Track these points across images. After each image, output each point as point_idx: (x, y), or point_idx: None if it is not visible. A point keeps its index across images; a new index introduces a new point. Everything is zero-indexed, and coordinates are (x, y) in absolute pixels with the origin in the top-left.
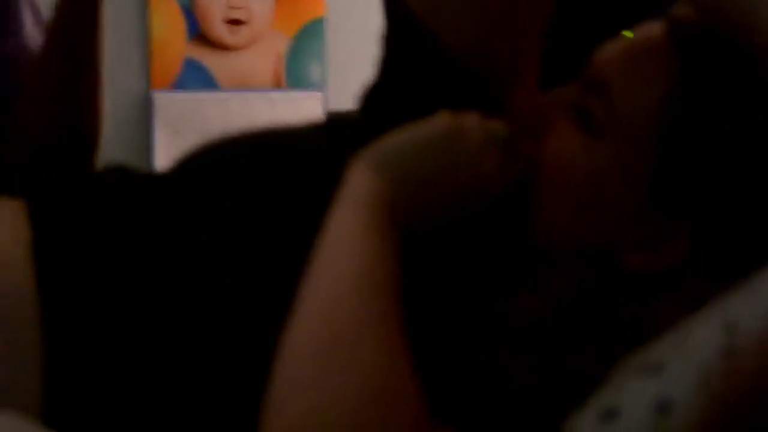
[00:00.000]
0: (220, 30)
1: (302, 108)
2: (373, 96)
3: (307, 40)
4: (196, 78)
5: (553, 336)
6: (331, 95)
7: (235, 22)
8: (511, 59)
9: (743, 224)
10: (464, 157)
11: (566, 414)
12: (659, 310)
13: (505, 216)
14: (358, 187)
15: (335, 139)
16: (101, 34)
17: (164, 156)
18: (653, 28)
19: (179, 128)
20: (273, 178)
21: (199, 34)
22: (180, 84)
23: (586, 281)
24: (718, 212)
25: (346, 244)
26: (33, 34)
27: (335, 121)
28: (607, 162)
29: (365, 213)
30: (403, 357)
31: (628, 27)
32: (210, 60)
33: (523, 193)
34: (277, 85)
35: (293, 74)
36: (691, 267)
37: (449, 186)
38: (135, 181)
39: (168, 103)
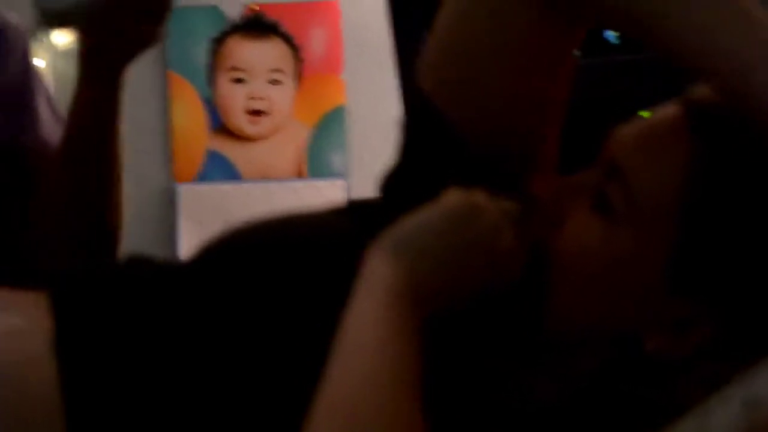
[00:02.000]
0: (241, 121)
1: (325, 197)
2: (392, 182)
3: (328, 129)
4: (218, 169)
5: (571, 421)
6: (354, 183)
7: (256, 113)
8: (529, 149)
9: (766, 306)
10: (480, 234)
11: None
12: (680, 391)
13: (523, 299)
14: (376, 273)
15: (356, 223)
16: (120, 127)
17: (189, 248)
18: (670, 109)
19: (203, 220)
20: (294, 263)
21: (220, 126)
22: (203, 176)
23: (606, 365)
24: (741, 296)
25: (368, 329)
26: (50, 127)
27: (356, 207)
28: (625, 247)
29: (384, 299)
30: None
31: (645, 107)
32: (232, 151)
33: (539, 276)
34: (300, 175)
35: (315, 163)
36: (713, 348)
37: (466, 265)
38: (157, 271)
39: (192, 195)
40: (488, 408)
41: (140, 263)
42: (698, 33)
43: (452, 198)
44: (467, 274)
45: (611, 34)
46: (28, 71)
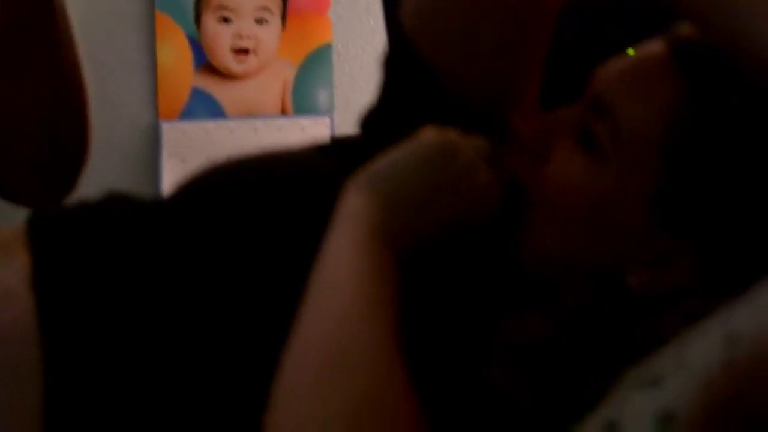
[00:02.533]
0: (227, 59)
1: (310, 134)
2: (372, 120)
3: (314, 67)
4: (203, 107)
5: (554, 354)
6: (339, 121)
7: (242, 52)
8: (511, 87)
9: (747, 242)
10: (454, 172)
11: (567, 430)
12: (661, 324)
13: (503, 235)
14: (352, 210)
15: (336, 160)
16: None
17: (172, 186)
18: (656, 47)
19: (187, 157)
20: (274, 200)
21: (205, 64)
22: (187, 113)
23: (589, 300)
24: (723, 231)
25: (342, 266)
26: None
27: (337, 144)
28: (611, 183)
29: (359, 235)
30: (400, 374)
31: (630, 44)
32: (217, 89)
33: (517, 211)
34: (285, 112)
35: (300, 101)
36: (694, 284)
37: (441, 202)
38: (135, 208)
39: (175, 133)
40: (471, 343)
41: (119, 200)
42: None
43: (427, 136)
44: (442, 209)
45: None
46: None
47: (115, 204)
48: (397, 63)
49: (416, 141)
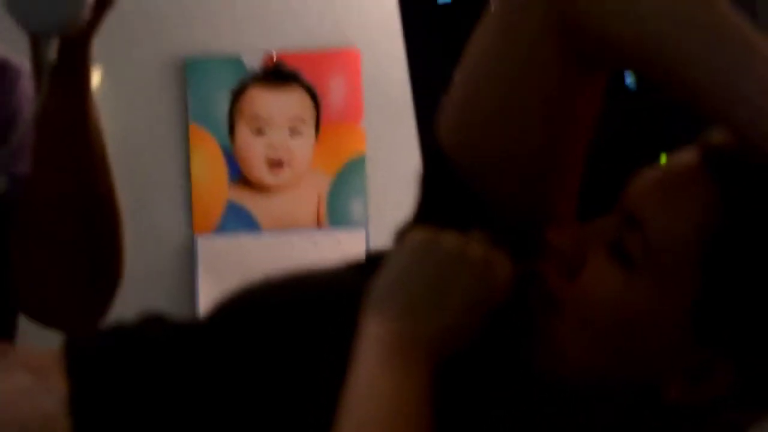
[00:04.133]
0: (261, 171)
1: (345, 247)
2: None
3: (348, 178)
4: (238, 221)
5: None
6: (374, 232)
7: (276, 163)
8: (548, 200)
9: None
10: (443, 266)
11: None
12: None
13: (527, 341)
14: (370, 332)
15: (370, 278)
16: (98, 131)
17: (208, 301)
18: (687, 155)
19: (223, 272)
20: (306, 320)
21: (240, 177)
22: (222, 227)
23: (625, 412)
24: (760, 345)
25: (375, 387)
26: None
27: (372, 260)
28: (644, 297)
29: (382, 355)
30: None
31: (665, 151)
32: (251, 202)
33: (544, 316)
34: (320, 225)
35: (335, 213)
36: (731, 397)
37: (452, 296)
38: (171, 330)
39: (211, 247)
40: None
41: (155, 322)
42: (717, 78)
43: (412, 236)
44: (454, 303)
45: (629, 79)
46: (20, 104)
47: (151, 326)
48: (433, 177)
49: (406, 244)
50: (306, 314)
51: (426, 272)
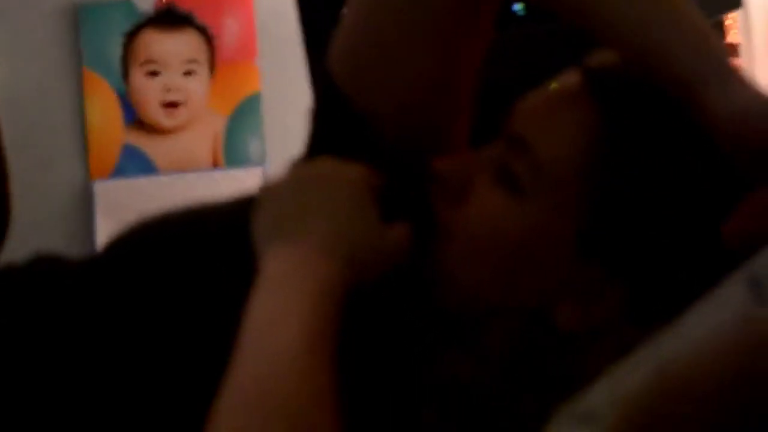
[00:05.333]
0: (156, 114)
1: (243, 186)
2: None
3: (243, 117)
4: (135, 164)
5: (485, 393)
6: (272, 170)
7: (171, 105)
8: (442, 129)
9: (675, 268)
10: (318, 187)
11: None
12: (593, 358)
13: (420, 272)
14: (264, 264)
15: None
16: None
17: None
18: (571, 77)
19: (121, 216)
20: (199, 252)
21: (136, 120)
22: (119, 171)
23: (517, 336)
24: (651, 259)
25: (280, 307)
26: None
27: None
28: (532, 219)
29: (279, 286)
30: (335, 414)
31: (552, 77)
32: (148, 144)
33: (431, 251)
34: (217, 165)
35: (232, 152)
36: (624, 314)
37: (338, 234)
38: (63, 266)
39: (108, 191)
40: (401, 385)
41: (47, 260)
42: (640, 32)
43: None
44: (351, 239)
45: (518, 6)
46: None
47: (43, 264)
48: (325, 109)
49: (288, 173)
50: (202, 245)
51: (303, 195)
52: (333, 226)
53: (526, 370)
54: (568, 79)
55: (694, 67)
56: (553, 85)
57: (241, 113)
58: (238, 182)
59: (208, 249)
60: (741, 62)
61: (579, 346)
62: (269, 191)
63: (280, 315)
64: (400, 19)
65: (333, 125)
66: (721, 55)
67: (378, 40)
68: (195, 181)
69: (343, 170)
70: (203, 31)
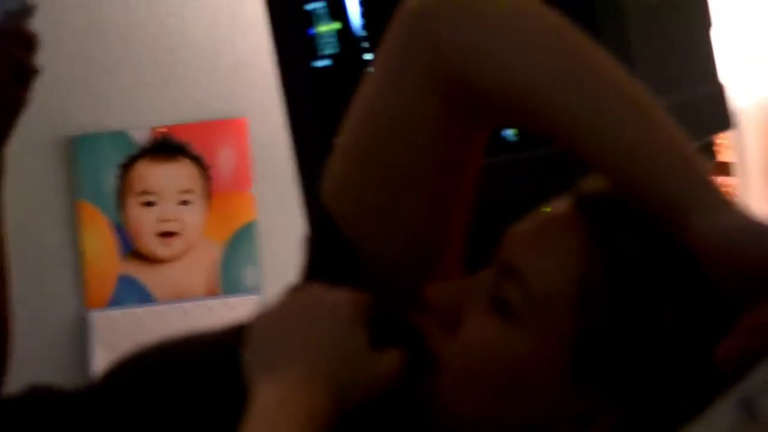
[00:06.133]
0: (152, 244)
1: (240, 314)
2: None
3: (239, 246)
4: (131, 294)
5: None
6: (268, 298)
7: (167, 235)
8: (435, 256)
9: (668, 396)
10: (309, 314)
11: None
12: None
13: (414, 400)
14: (258, 391)
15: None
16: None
17: None
18: (562, 203)
19: (118, 345)
20: (192, 381)
21: (131, 250)
22: (116, 301)
23: None
24: (643, 381)
25: None
26: None
27: None
28: (525, 346)
29: (271, 415)
30: None
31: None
32: (144, 274)
33: (424, 378)
34: (213, 293)
35: (228, 280)
36: None
37: (314, 349)
38: (57, 396)
39: (105, 321)
40: None
41: (41, 390)
42: (587, 123)
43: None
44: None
45: (509, 132)
46: None
47: (38, 394)
48: (318, 240)
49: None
50: (196, 374)
51: (292, 323)
52: (320, 353)
53: None
54: (558, 204)
55: (680, 192)
56: (545, 211)
57: (237, 242)
58: (235, 310)
59: (203, 378)
60: (735, 181)
61: None
62: (259, 320)
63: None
64: (393, 148)
65: (325, 254)
66: (706, 178)
67: (368, 170)
68: (191, 309)
69: (330, 296)
70: (198, 162)
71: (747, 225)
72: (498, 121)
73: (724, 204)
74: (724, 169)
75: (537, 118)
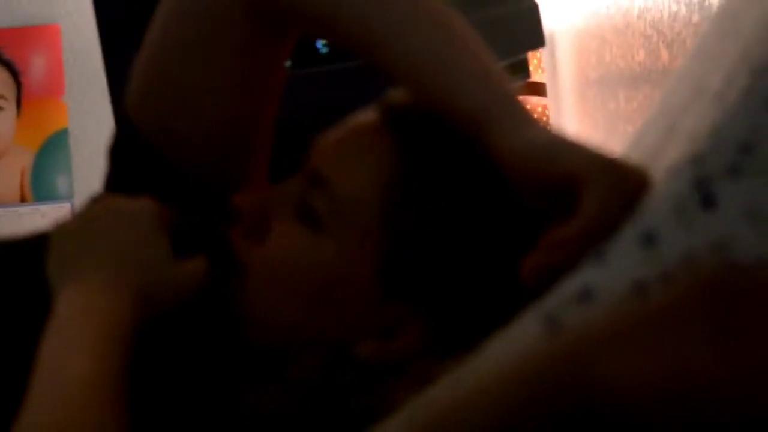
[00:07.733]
0: None
1: (50, 221)
2: None
3: (51, 153)
4: None
5: (289, 425)
6: (80, 205)
7: None
8: (239, 164)
9: (473, 300)
10: (101, 223)
11: None
12: (393, 391)
13: (220, 307)
14: (60, 301)
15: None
16: None
17: None
18: (369, 114)
19: None
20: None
21: None
22: None
23: (322, 371)
24: (448, 291)
25: (64, 348)
26: None
27: None
28: (332, 254)
29: (72, 321)
30: None
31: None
32: None
33: (232, 284)
34: (24, 200)
35: (40, 187)
36: (426, 349)
37: (130, 270)
38: None
39: None
40: (206, 418)
41: None
42: (387, 32)
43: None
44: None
45: (320, 43)
46: None
47: None
48: (122, 147)
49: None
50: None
51: (93, 231)
52: (118, 261)
53: (328, 402)
54: (365, 115)
55: (483, 105)
56: (352, 122)
57: (49, 149)
58: (46, 218)
59: (6, 284)
60: (547, 101)
61: (381, 379)
62: (61, 228)
63: (67, 353)
64: (196, 56)
65: (128, 163)
66: (509, 94)
67: (170, 79)
68: (2, 216)
69: (129, 205)
70: (9, 67)
71: (551, 140)
72: (301, 29)
73: (527, 119)
74: (539, 89)
75: (335, 29)
